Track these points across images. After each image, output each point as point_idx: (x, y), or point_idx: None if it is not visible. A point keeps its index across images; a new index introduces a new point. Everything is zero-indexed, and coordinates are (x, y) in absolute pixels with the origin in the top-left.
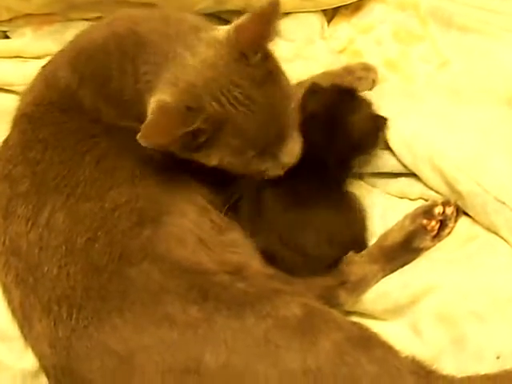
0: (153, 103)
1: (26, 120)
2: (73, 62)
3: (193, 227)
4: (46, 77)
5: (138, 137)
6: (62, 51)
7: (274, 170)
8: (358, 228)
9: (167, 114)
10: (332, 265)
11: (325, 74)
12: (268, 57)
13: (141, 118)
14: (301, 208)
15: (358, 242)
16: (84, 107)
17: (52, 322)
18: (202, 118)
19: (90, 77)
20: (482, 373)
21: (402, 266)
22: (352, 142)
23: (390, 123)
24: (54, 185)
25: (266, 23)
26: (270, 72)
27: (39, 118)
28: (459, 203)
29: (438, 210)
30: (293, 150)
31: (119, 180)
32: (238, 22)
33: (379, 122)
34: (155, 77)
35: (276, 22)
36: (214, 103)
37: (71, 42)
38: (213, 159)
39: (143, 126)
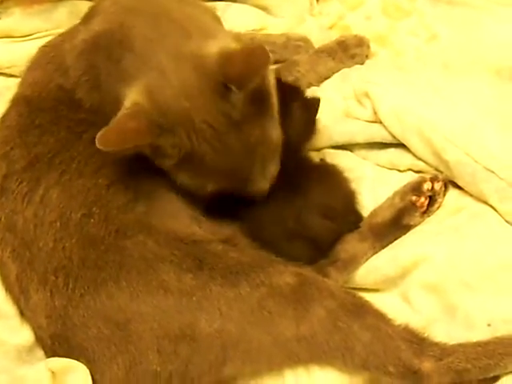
0: (128, 101)
1: (24, 102)
2: (79, 55)
3: (185, 206)
4: (52, 60)
5: (97, 137)
6: (71, 34)
7: (239, 194)
8: (345, 190)
9: (136, 119)
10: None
11: (319, 50)
12: (253, 98)
13: None
14: (288, 193)
15: (352, 210)
16: (81, 105)
17: (48, 293)
18: (170, 141)
19: (85, 75)
20: (474, 340)
21: (392, 243)
22: (293, 132)
23: (322, 103)
24: (48, 160)
25: (255, 63)
26: (250, 114)
27: (37, 103)
28: (448, 173)
29: (427, 186)
30: (261, 186)
31: (114, 158)
32: (230, 50)
33: (313, 105)
34: (133, 77)
35: (265, 69)
36: (184, 135)
37: (77, 26)
38: (178, 180)
39: (107, 126)
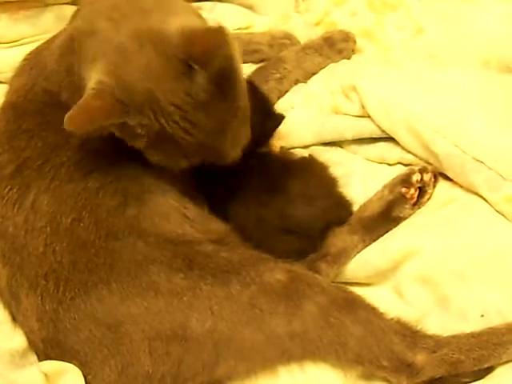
0: (92, 81)
1: (10, 108)
2: (58, 58)
3: (176, 204)
4: (35, 66)
5: (65, 118)
6: (52, 39)
7: (217, 162)
8: (323, 177)
9: (102, 98)
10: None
11: (305, 47)
12: (217, 76)
13: None
14: (267, 193)
15: (335, 194)
16: (68, 106)
17: (39, 297)
18: (137, 120)
19: (67, 77)
20: (467, 331)
21: (383, 235)
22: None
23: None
24: (37, 167)
25: (216, 43)
26: (216, 92)
27: (23, 107)
28: (437, 165)
29: (416, 177)
30: (232, 158)
31: (102, 161)
32: (193, 29)
33: (273, 119)
34: (96, 61)
35: (229, 45)
36: (151, 116)
37: (60, 31)
38: (151, 158)
39: (73, 108)
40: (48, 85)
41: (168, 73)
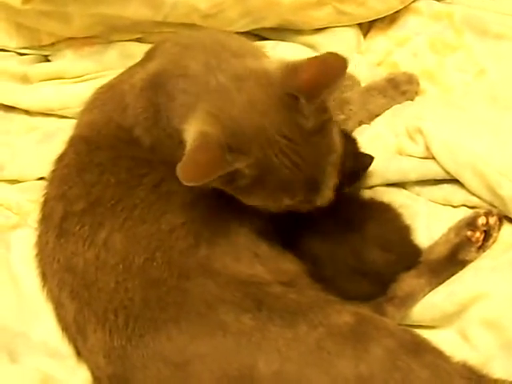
0: (193, 133)
1: (82, 141)
2: (138, 94)
3: (247, 244)
4: (108, 100)
5: (177, 173)
6: (129, 74)
7: (305, 208)
8: (399, 224)
9: (209, 151)
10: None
11: (369, 88)
12: (323, 108)
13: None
14: (344, 231)
15: (409, 242)
16: (140, 143)
17: (107, 333)
18: (245, 162)
19: (144, 113)
20: None
21: (449, 279)
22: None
23: (373, 163)
24: (111, 206)
25: (330, 74)
26: (321, 124)
27: (96, 142)
28: (502, 208)
29: (482, 220)
30: (326, 196)
31: (175, 204)
32: (296, 62)
33: (363, 161)
34: (193, 107)
35: (342, 78)
36: (259, 152)
37: (135, 67)
38: (250, 200)
39: (182, 161)
40: (122, 120)
41: (274, 105)
